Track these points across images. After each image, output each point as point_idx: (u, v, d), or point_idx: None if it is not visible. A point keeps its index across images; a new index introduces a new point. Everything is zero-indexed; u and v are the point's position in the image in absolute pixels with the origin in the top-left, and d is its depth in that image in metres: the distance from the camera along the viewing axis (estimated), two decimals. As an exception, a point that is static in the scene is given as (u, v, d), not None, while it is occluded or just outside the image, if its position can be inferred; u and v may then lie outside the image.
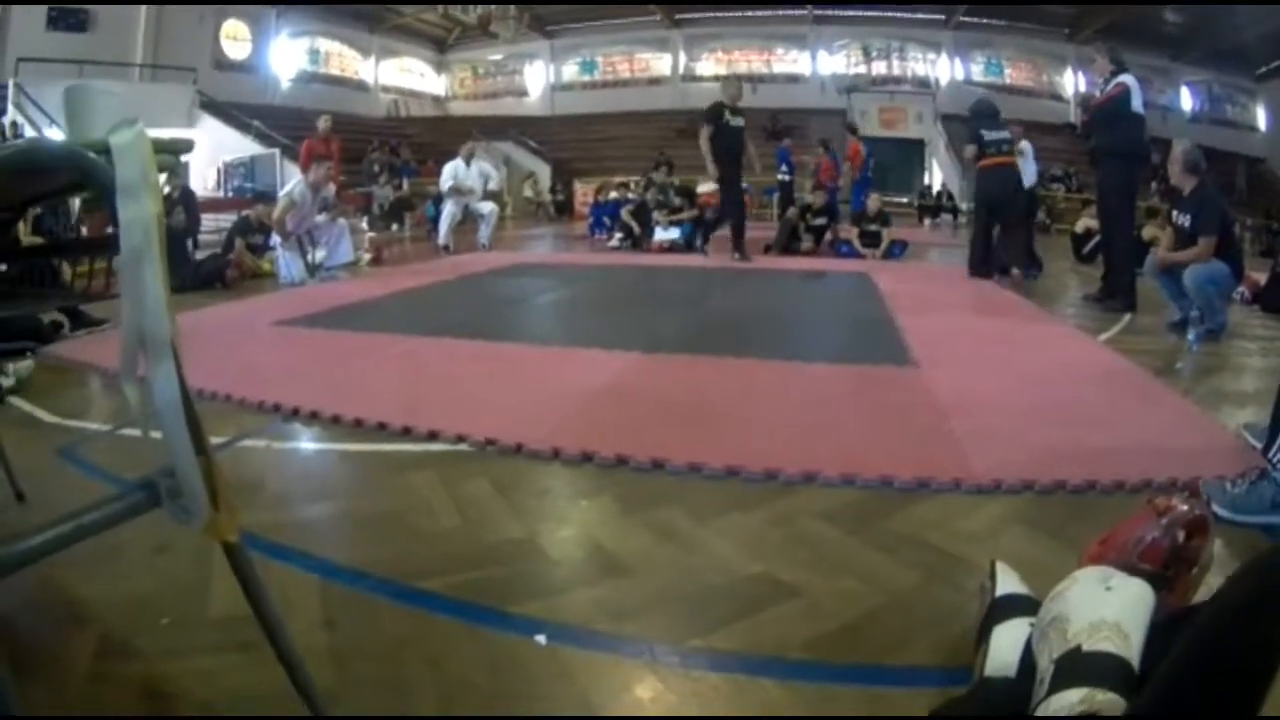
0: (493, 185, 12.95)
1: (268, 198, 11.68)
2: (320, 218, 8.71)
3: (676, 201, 12.28)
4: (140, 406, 1.20)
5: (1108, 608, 1.16)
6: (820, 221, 11.18)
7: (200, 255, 9.17)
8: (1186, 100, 29.72)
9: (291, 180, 9.08)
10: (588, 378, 4.01)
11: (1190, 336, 5.28)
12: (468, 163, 11.79)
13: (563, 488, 2.68)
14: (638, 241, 12.18)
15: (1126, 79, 6.66)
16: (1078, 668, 1.11)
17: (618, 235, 12.64)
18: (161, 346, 1.13)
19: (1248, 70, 28.74)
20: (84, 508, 1.13)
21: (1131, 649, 1.11)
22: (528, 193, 25.05)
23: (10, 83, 16.87)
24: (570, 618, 1.84)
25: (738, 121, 9.70)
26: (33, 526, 1.07)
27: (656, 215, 12.17)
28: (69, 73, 18.56)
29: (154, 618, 1.83)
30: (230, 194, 19.17)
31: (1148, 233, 8.75)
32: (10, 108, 16.25)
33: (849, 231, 11.30)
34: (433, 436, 3.12)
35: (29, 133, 14.10)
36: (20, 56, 17.80)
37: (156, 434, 1.16)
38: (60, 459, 3.02)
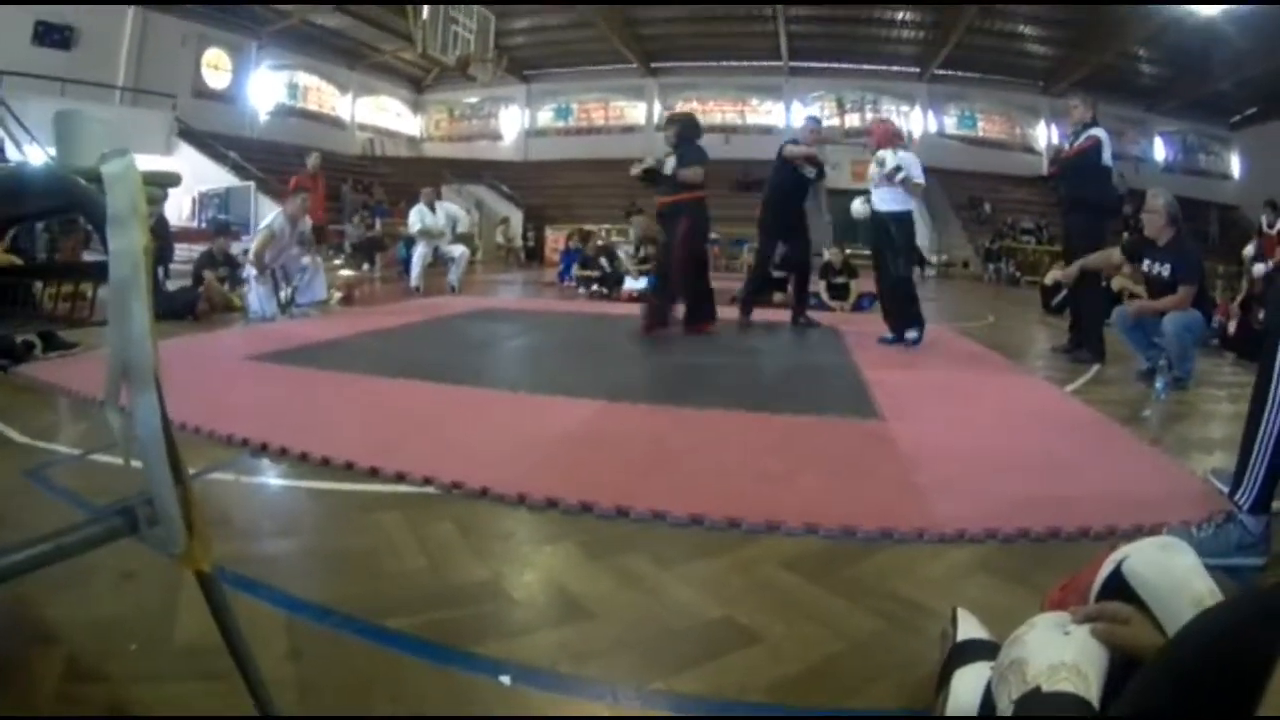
0: (462, 228, 13.05)
1: (230, 230, 11.71)
2: (295, 251, 8.74)
3: (643, 252, 12.36)
4: (122, 435, 1.21)
5: (1066, 650, 1.19)
6: (780, 275, 10.79)
7: (171, 285, 9.15)
8: (1160, 150, 30.34)
9: (271, 214, 9.12)
10: (554, 424, 4.03)
11: (1158, 385, 5.38)
12: (431, 207, 11.90)
13: (527, 532, 2.68)
14: (610, 290, 12.21)
15: (1098, 132, 6.81)
16: (1037, 707, 1.14)
17: (594, 283, 12.67)
18: (145, 377, 1.15)
19: (1222, 119, 29.44)
20: (64, 529, 1.14)
21: (1091, 689, 1.13)
22: (499, 238, 25.10)
23: (-6, 94, 16.80)
24: (534, 659, 1.84)
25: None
26: (10, 544, 1.08)
27: (625, 264, 12.25)
28: (51, 90, 18.57)
29: (121, 642, 1.83)
30: (204, 225, 19.09)
31: (1117, 283, 8.88)
32: (-10, 121, 16.14)
33: (815, 283, 11.35)
34: (400, 478, 3.12)
35: (9, 146, 14.02)
36: (3, 70, 17.64)
37: (137, 464, 1.18)
38: (29, 480, 3.01)
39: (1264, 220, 12.84)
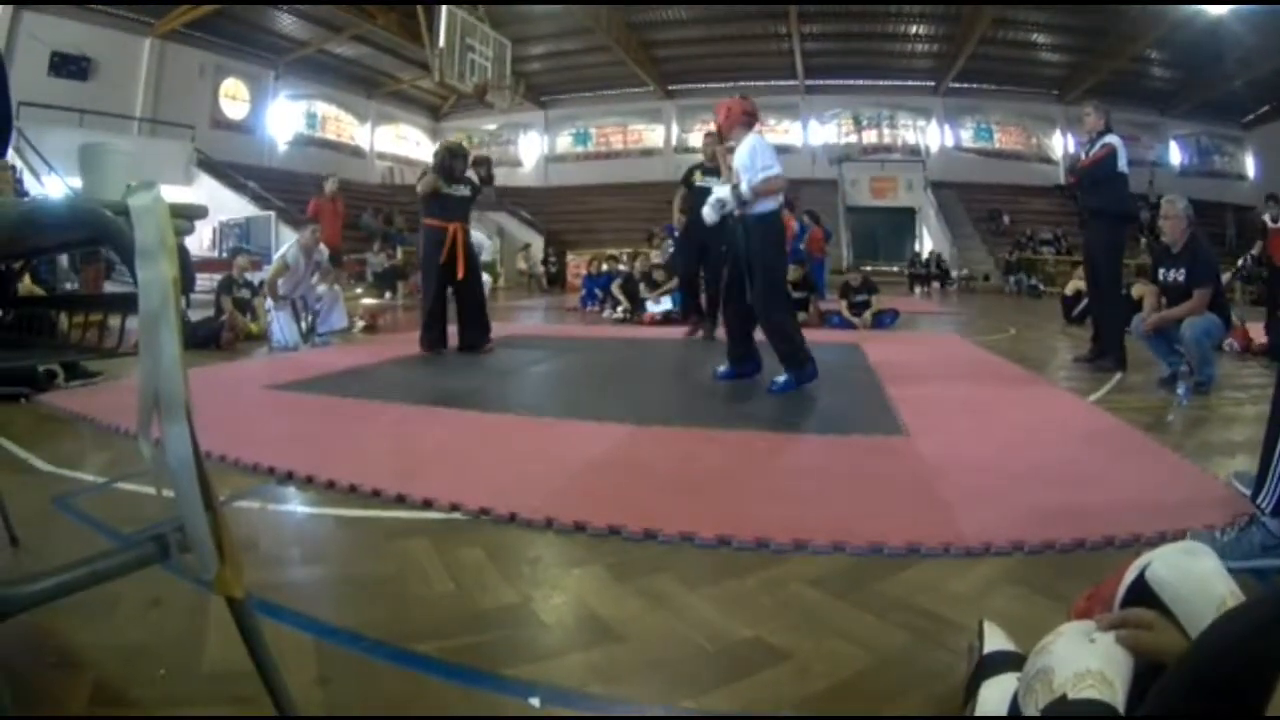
0: (485, 256, 13.06)
1: (249, 252, 11.82)
2: (313, 280, 8.81)
3: (660, 275, 12.42)
4: (154, 463, 1.23)
5: (1092, 658, 1.19)
6: (799, 295, 10.70)
7: (194, 315, 9.25)
8: (1175, 154, 30.30)
9: (286, 244, 9.22)
10: (580, 449, 4.02)
11: (1180, 391, 5.36)
12: None
13: (555, 556, 2.68)
14: (633, 313, 12.22)
15: (1113, 140, 6.80)
16: (1064, 714, 1.14)
17: (621, 308, 12.65)
18: (176, 407, 1.16)
19: (1235, 119, 29.42)
20: (97, 555, 1.16)
21: (1116, 695, 1.13)
22: (521, 264, 25.17)
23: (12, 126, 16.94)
24: (564, 681, 1.84)
25: (704, 182, 7.99)
26: (45, 570, 1.09)
27: (643, 289, 12.28)
28: (69, 121, 18.80)
29: (148, 668, 1.84)
30: (224, 255, 19.25)
31: (1136, 291, 8.84)
32: (10, 151, 16.30)
33: (837, 302, 11.37)
34: (427, 504, 3.12)
35: (27, 177, 14.21)
36: (21, 101, 17.81)
37: (169, 492, 1.19)
38: (54, 507, 3.05)
39: (1268, 216, 12.58)
